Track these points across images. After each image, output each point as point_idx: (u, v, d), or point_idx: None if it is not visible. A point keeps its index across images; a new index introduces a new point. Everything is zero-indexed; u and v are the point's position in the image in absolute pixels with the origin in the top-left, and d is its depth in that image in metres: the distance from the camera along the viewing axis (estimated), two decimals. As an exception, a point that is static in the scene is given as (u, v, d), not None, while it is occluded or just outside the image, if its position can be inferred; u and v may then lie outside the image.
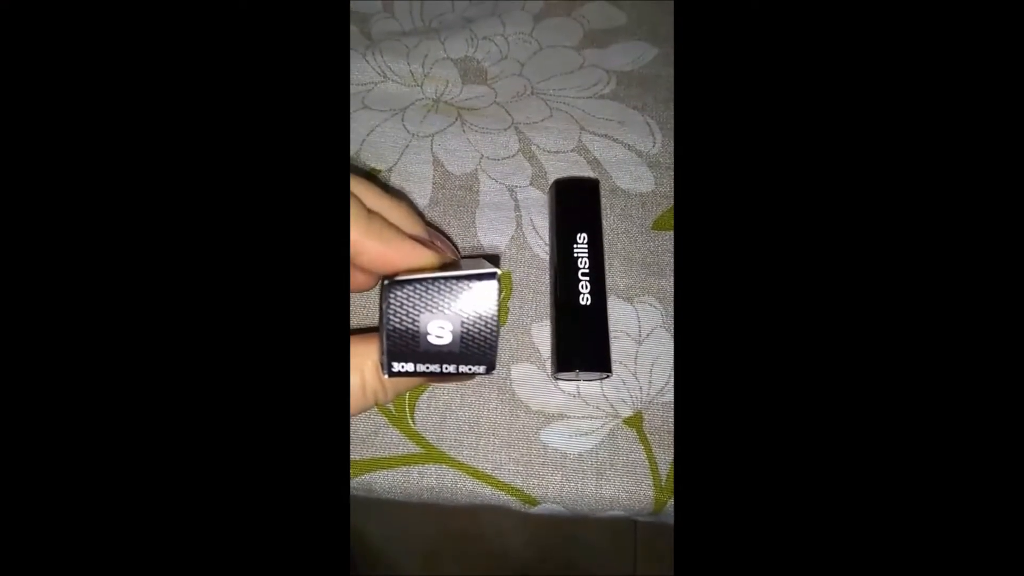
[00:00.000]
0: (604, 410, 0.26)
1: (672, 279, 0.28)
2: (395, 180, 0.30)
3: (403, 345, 0.18)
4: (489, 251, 0.29)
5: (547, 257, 0.29)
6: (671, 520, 0.26)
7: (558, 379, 0.26)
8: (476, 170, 0.30)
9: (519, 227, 0.29)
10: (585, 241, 0.27)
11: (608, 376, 0.26)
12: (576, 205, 0.28)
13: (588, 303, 0.26)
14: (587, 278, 0.26)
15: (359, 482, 0.25)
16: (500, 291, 0.22)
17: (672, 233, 0.29)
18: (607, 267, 0.28)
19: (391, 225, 0.20)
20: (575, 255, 0.26)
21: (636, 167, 0.31)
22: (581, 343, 0.25)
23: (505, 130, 0.31)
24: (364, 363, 0.19)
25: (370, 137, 0.31)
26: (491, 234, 0.29)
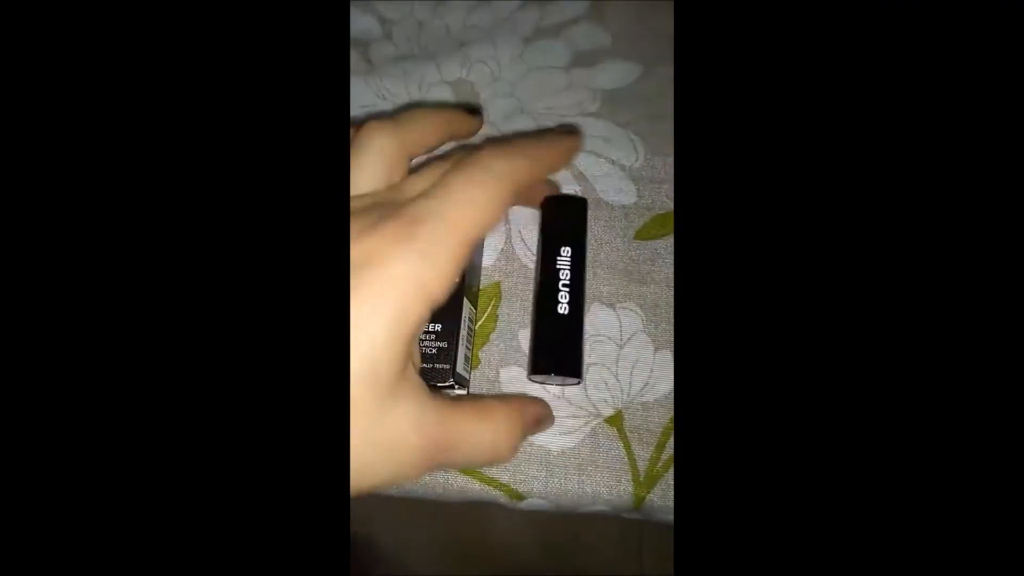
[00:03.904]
0: (587, 410, 0.28)
1: (652, 287, 0.30)
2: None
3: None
4: (480, 265, 0.31)
5: (534, 268, 0.30)
6: (651, 516, 0.27)
7: (531, 380, 0.28)
8: (468, 186, 0.32)
9: (508, 240, 0.31)
10: (568, 255, 0.28)
11: (578, 383, 0.27)
12: (563, 220, 0.29)
13: (566, 312, 0.27)
14: (567, 288, 0.27)
15: (357, 478, 0.27)
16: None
17: (653, 243, 0.31)
18: (591, 275, 0.30)
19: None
20: (558, 267, 0.28)
21: (620, 181, 0.32)
22: (556, 348, 0.27)
23: (496, 147, 0.33)
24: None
25: (370, 156, 0.33)
26: (482, 247, 0.31)
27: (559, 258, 0.28)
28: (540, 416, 0.23)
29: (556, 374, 0.26)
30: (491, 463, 0.20)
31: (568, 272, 0.28)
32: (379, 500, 0.29)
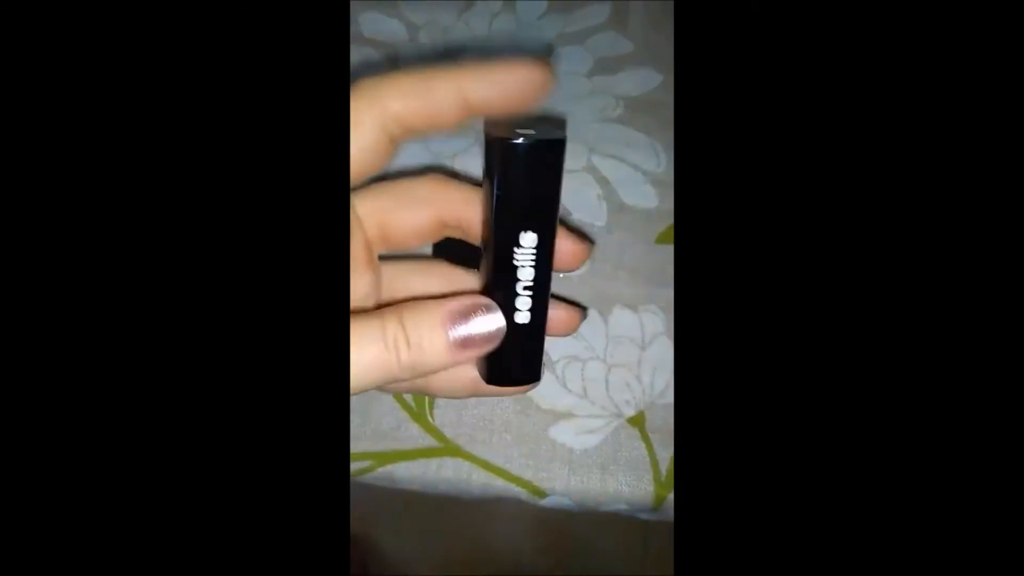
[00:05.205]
0: (609, 410, 0.28)
1: (673, 289, 0.30)
2: (418, 196, 0.33)
3: None
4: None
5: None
6: (670, 516, 0.28)
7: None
8: (493, 187, 0.33)
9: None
10: (534, 245, 0.19)
11: (535, 384, 0.23)
12: (525, 185, 0.18)
13: (528, 321, 0.20)
14: (530, 292, 0.19)
15: (382, 472, 0.27)
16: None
17: (674, 246, 0.31)
18: (614, 277, 0.31)
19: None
20: (516, 262, 0.19)
21: (641, 185, 0.33)
22: (511, 358, 0.21)
23: (520, 151, 0.34)
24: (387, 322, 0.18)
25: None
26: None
27: (517, 250, 0.19)
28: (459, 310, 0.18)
29: (507, 383, 0.22)
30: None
31: (532, 269, 0.19)
32: (381, 497, 0.29)
